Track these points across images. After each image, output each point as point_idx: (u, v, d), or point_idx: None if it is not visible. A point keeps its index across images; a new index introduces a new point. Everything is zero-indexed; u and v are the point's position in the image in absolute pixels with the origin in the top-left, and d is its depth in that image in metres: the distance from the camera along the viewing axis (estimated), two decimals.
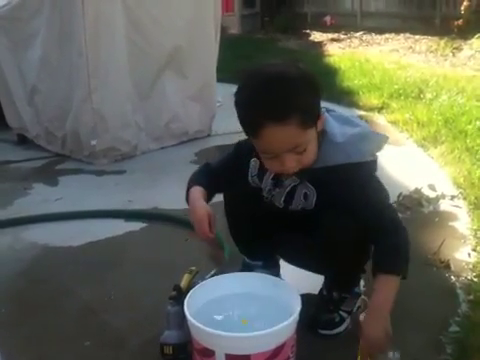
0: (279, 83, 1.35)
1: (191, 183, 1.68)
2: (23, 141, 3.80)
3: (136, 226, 2.49)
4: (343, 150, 1.47)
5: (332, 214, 1.48)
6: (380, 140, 1.57)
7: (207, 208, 1.60)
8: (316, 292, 1.73)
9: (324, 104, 1.50)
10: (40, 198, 2.87)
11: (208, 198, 1.66)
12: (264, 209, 1.64)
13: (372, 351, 1.38)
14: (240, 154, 1.67)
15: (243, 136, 1.52)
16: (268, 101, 1.34)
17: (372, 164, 1.54)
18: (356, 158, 1.47)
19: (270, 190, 1.61)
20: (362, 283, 1.73)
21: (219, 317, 1.46)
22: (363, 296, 1.71)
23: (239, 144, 1.69)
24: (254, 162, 1.62)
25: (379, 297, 1.39)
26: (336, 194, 1.46)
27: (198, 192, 1.64)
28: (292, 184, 1.56)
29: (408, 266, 1.42)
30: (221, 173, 1.69)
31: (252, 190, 1.65)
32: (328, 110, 1.57)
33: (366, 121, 1.70)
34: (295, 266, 1.80)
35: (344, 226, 1.46)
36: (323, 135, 1.49)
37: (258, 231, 1.70)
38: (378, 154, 1.56)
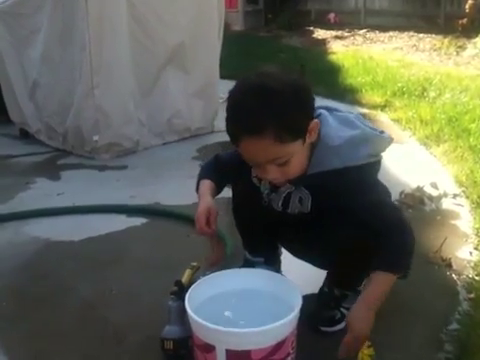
0: (257, 95, 1.32)
1: (201, 176, 1.68)
2: (25, 135, 3.82)
3: (137, 221, 2.48)
4: (337, 154, 1.42)
5: (333, 221, 1.44)
6: (382, 142, 1.51)
7: (209, 203, 1.59)
8: (317, 288, 1.73)
9: (327, 103, 1.47)
10: (42, 193, 2.87)
11: (218, 190, 1.66)
12: (266, 208, 1.63)
13: (356, 346, 1.34)
14: None
15: None
16: (243, 114, 1.33)
17: (373, 165, 1.48)
18: (351, 162, 1.42)
19: (268, 194, 1.59)
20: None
21: (220, 312, 1.45)
22: None
23: None
24: None
25: (374, 292, 1.36)
26: (332, 197, 1.41)
27: (206, 186, 1.64)
28: (287, 190, 1.54)
29: (410, 265, 1.39)
30: (229, 166, 1.67)
31: (255, 188, 1.63)
32: (330, 109, 1.53)
33: (370, 121, 1.60)
34: (299, 259, 1.78)
35: (345, 234, 1.43)
36: (318, 138, 1.44)
37: (262, 227, 1.69)
38: (382, 154, 1.50)
